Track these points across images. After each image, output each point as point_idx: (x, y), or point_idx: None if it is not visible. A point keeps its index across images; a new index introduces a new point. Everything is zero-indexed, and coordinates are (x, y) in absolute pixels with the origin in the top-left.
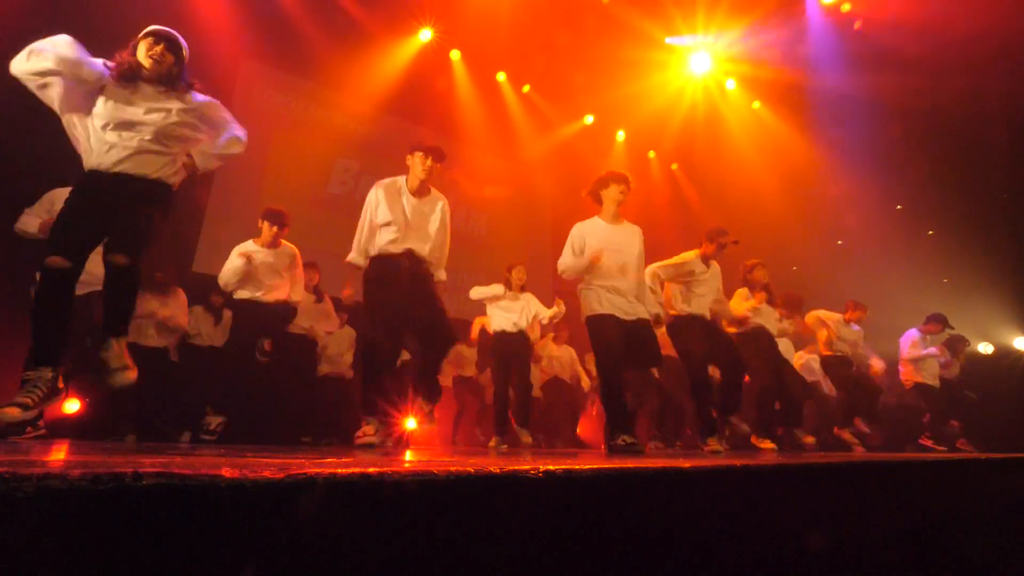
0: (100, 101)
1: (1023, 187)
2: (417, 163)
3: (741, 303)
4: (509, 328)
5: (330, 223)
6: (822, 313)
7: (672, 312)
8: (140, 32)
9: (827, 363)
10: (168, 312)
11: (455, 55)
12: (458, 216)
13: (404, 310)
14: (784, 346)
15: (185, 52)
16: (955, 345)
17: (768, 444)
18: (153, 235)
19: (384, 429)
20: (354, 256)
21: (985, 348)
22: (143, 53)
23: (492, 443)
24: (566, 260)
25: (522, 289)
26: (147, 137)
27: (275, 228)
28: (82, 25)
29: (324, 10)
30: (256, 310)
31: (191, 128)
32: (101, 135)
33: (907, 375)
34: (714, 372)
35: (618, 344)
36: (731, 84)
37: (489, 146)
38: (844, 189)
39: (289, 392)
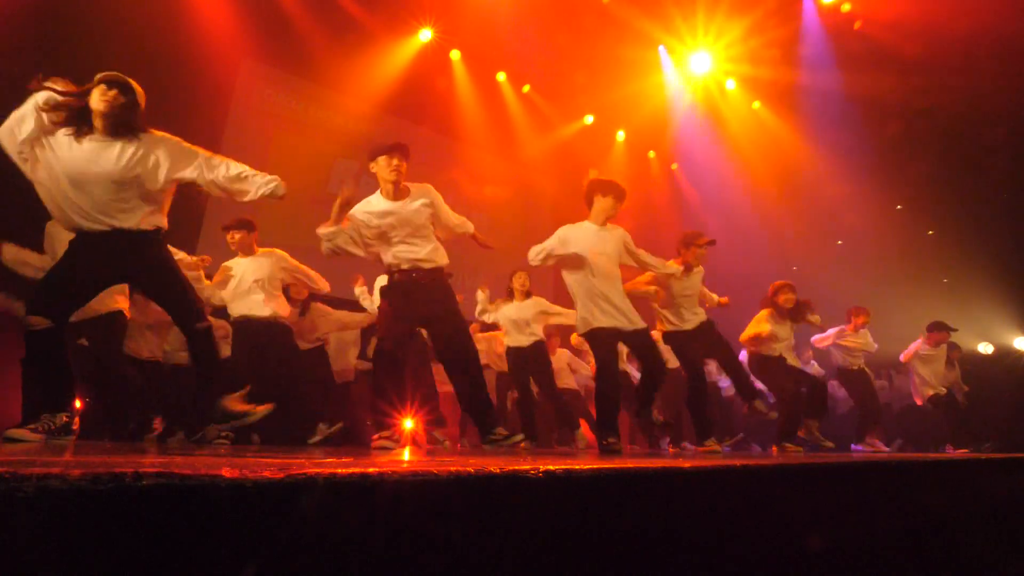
0: (52, 156)
1: (1023, 187)
2: (382, 166)
3: (757, 325)
4: (524, 343)
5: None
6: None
7: (664, 329)
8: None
9: (843, 374)
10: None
11: (455, 55)
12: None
13: (422, 325)
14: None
15: (140, 96)
16: (948, 353)
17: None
18: (185, 281)
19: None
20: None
21: (985, 348)
22: (96, 99)
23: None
24: (539, 249)
25: (527, 295)
26: (113, 188)
27: (238, 235)
28: (85, 26)
29: (324, 10)
30: (251, 328)
31: (152, 166)
32: (67, 194)
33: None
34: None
35: (617, 358)
36: (731, 84)
37: (489, 146)
38: (844, 189)
39: (306, 397)
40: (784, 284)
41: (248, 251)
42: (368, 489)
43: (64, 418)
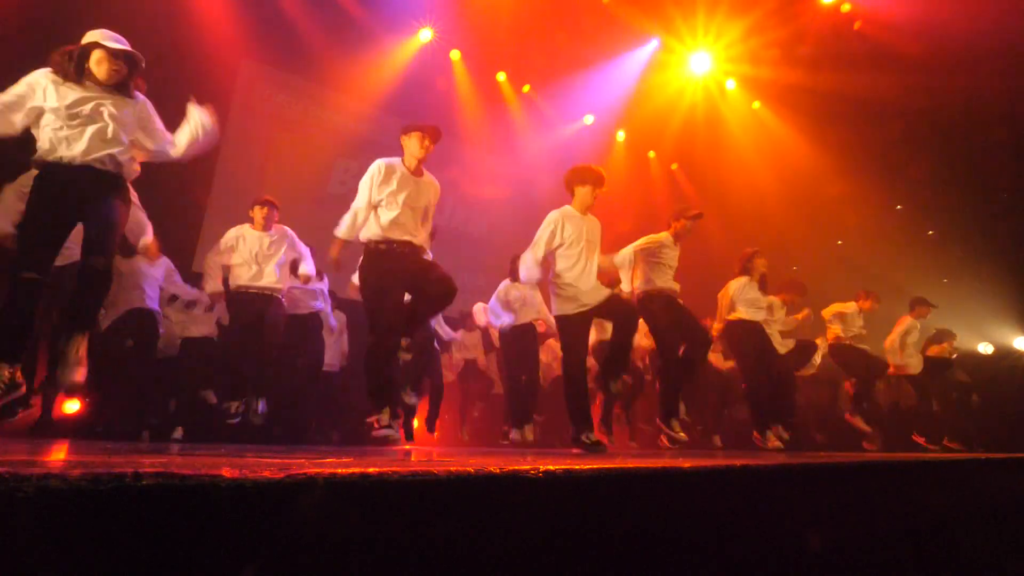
0: (53, 95)
1: (1023, 187)
2: (414, 143)
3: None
4: (520, 321)
5: (330, 223)
6: (837, 307)
7: (641, 289)
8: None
9: (836, 350)
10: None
11: (455, 55)
12: (458, 216)
13: (408, 289)
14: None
15: (141, 62)
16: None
17: (774, 442)
18: (122, 226)
19: (396, 420)
20: (345, 231)
21: (985, 348)
22: (98, 61)
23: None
24: (533, 257)
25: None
26: (105, 128)
27: (265, 210)
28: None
29: (324, 10)
30: (251, 300)
31: (134, 126)
32: (58, 129)
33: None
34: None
35: (586, 346)
36: (731, 84)
37: (489, 146)
38: (844, 189)
39: (300, 387)
40: (757, 249)
41: (268, 226)
42: (368, 489)
43: (7, 371)
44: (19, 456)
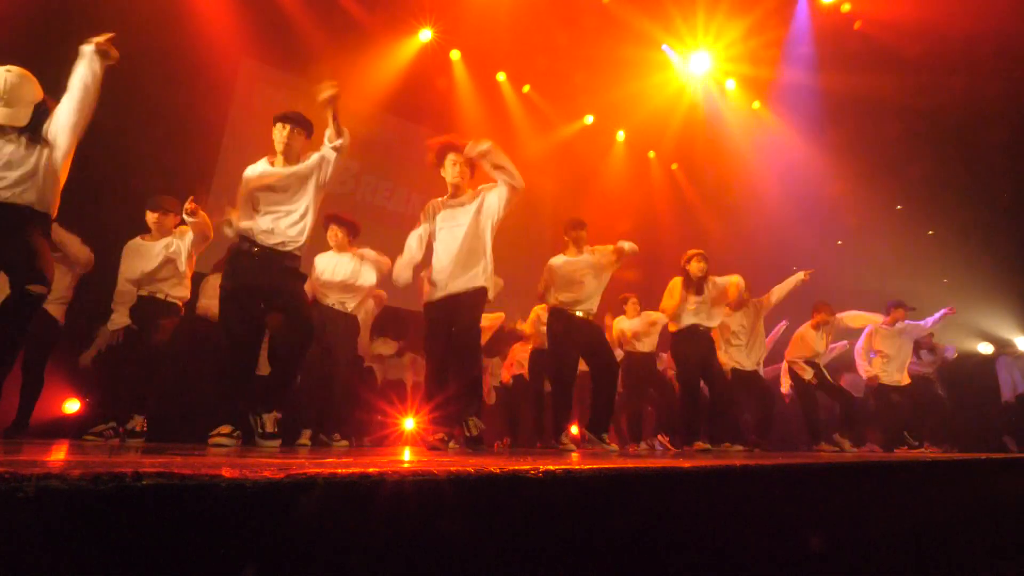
0: None
1: (1023, 187)
2: (275, 133)
3: (669, 299)
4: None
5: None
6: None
7: (550, 305)
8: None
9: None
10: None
11: (455, 55)
12: None
13: (264, 306)
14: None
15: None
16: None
17: (700, 445)
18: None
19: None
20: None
21: (985, 348)
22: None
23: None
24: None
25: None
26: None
27: (156, 215)
28: (85, 25)
29: (324, 10)
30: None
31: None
32: None
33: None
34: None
35: (440, 335)
36: (731, 84)
37: None
38: (844, 189)
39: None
40: (697, 252)
41: (163, 233)
42: (368, 489)
43: None
44: (19, 456)
